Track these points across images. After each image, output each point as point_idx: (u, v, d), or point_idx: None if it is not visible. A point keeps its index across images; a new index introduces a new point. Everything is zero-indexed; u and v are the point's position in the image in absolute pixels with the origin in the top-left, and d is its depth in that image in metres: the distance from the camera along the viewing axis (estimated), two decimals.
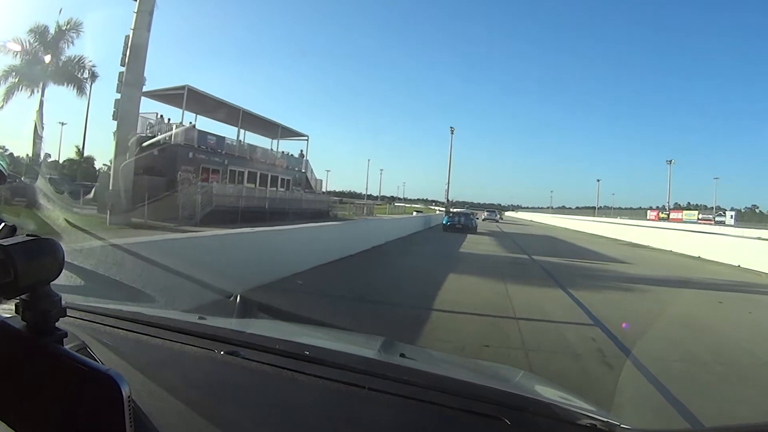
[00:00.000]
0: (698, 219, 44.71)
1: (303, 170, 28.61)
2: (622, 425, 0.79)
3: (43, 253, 0.65)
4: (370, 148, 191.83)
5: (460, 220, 21.70)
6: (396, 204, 73.66)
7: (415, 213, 31.28)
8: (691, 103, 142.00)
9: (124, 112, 16.31)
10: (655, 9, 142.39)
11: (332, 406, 0.85)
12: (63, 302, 0.69)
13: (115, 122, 15.17)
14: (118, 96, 14.94)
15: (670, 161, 58.24)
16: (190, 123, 22.77)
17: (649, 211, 56.13)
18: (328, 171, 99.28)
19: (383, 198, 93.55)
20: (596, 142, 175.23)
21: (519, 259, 11.30)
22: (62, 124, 35.69)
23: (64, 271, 0.67)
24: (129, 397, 0.60)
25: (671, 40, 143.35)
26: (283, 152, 27.59)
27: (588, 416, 0.81)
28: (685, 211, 50.75)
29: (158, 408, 0.73)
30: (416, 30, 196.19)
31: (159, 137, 19.13)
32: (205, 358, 0.98)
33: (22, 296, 0.66)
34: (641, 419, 2.57)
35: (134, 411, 0.61)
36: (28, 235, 0.67)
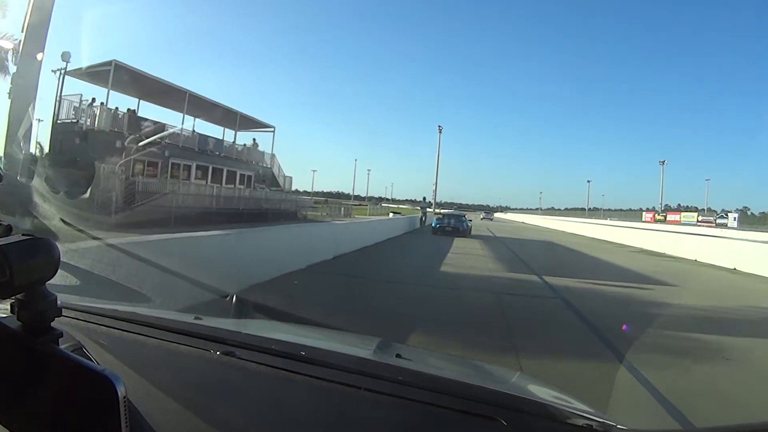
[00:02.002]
0: (698, 221, 41.87)
1: (269, 165, 24.64)
2: (617, 425, 0.80)
3: (39, 253, 0.66)
4: (360, 148, 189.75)
5: (450, 223, 19.69)
6: (383, 204, 71.63)
7: (391, 214, 26.03)
8: (681, 104, 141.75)
9: (21, 88, 11.97)
10: (646, 6, 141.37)
11: (328, 406, 0.87)
12: (59, 302, 0.71)
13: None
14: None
15: (663, 162, 56.00)
16: (129, 108, 18.71)
17: (644, 213, 53.08)
18: (314, 171, 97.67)
19: (371, 198, 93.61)
20: (585, 142, 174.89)
21: (525, 283, 8.24)
22: (40, 120, 31.93)
23: (59, 270, 0.68)
24: (125, 397, 0.61)
25: (663, 38, 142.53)
26: (244, 145, 23.64)
27: (584, 417, 0.83)
28: (683, 213, 47.78)
29: (154, 408, 0.75)
30: (408, 29, 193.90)
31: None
32: (200, 359, 0.99)
33: (18, 296, 0.67)
34: (637, 420, 2.47)
35: (130, 411, 0.62)
36: (23, 235, 0.67)
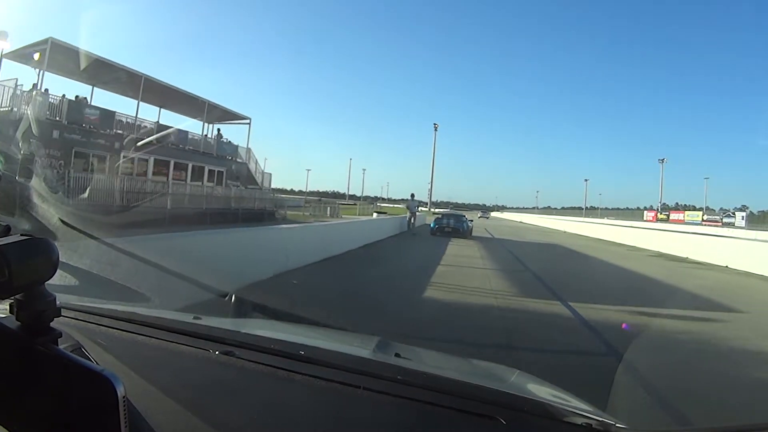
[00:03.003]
0: (703, 220, 39.84)
1: (244, 161, 22.03)
2: (617, 424, 0.81)
3: (38, 253, 0.67)
4: (357, 148, 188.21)
5: (449, 223, 18.74)
6: (379, 204, 71.12)
7: (375, 214, 22.43)
8: (678, 103, 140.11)
9: None
10: (645, 5, 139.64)
11: (327, 406, 0.89)
12: (58, 302, 0.72)
13: None
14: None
15: (663, 160, 54.12)
16: (77, 96, 16.09)
17: (645, 212, 51.06)
18: (309, 170, 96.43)
19: (366, 198, 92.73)
20: (582, 141, 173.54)
21: (550, 319, 5.48)
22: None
23: (58, 270, 0.69)
24: (124, 397, 0.62)
25: (661, 36, 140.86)
26: (215, 137, 20.97)
27: (583, 416, 0.84)
28: (687, 212, 45.64)
29: (153, 408, 0.76)
30: (405, 29, 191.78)
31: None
32: (200, 358, 1.01)
33: (17, 296, 0.68)
34: (636, 419, 2.52)
35: (129, 411, 0.63)
36: (22, 235, 0.69)
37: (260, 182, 25.82)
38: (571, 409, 0.86)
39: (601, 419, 0.81)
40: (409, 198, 20.35)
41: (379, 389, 0.88)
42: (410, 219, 19.43)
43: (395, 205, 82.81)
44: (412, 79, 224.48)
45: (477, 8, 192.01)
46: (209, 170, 22.05)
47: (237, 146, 24.96)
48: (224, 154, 23.88)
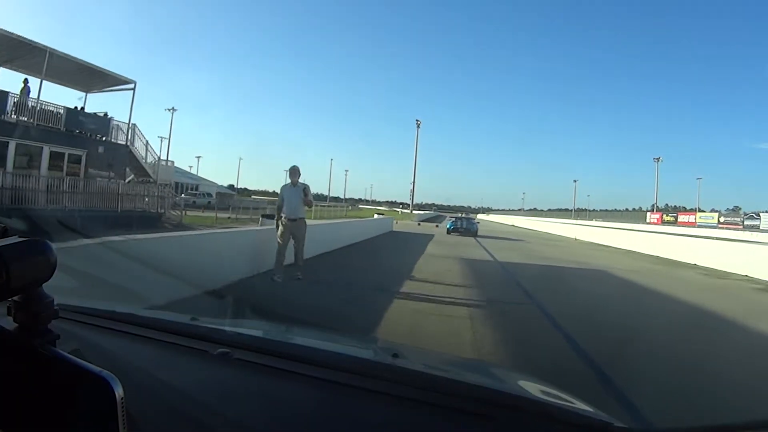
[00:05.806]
0: (719, 222, 33.37)
1: (125, 142, 14.38)
2: (615, 424, 0.80)
3: (35, 254, 0.68)
4: (344, 150, 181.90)
5: (462, 224, 24.59)
6: (360, 206, 65.96)
7: (261, 219, 13.13)
8: (668, 103, 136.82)
9: None
10: (634, 7, 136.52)
11: (325, 406, 0.89)
12: (55, 303, 0.73)
13: None
14: None
15: (658, 159, 49.07)
16: None
17: (649, 213, 44.86)
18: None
19: (350, 200, 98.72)
20: (569, 142, 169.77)
21: None
22: None
23: (56, 272, 0.71)
24: (122, 398, 0.63)
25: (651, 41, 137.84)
26: (65, 107, 13.35)
27: (582, 415, 0.85)
28: (699, 214, 39.43)
29: (152, 409, 0.77)
30: (394, 33, 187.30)
31: None
32: (198, 359, 1.00)
33: (14, 298, 0.69)
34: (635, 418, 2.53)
35: (128, 412, 0.64)
36: (19, 237, 0.69)
37: (152, 172, 18.35)
38: (569, 409, 0.87)
39: (599, 418, 0.82)
40: (288, 183, 7.24)
41: (377, 390, 0.89)
42: (282, 237, 6.81)
43: (379, 207, 76.15)
44: (401, 81, 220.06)
45: (465, 7, 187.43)
46: (53, 153, 14.66)
47: (110, 120, 17.19)
48: (84, 130, 16.34)
